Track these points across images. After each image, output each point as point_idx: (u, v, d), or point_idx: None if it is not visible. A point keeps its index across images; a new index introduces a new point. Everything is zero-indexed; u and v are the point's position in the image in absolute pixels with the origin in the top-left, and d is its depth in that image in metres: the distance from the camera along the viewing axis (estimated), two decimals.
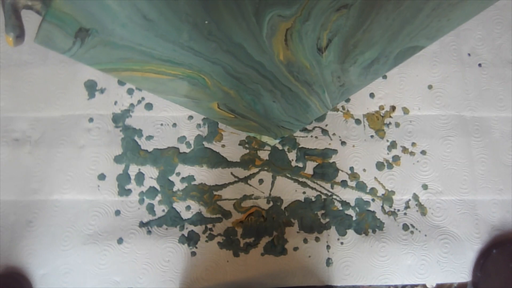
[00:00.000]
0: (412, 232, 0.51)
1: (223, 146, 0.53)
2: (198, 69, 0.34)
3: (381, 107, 0.55)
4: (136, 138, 0.53)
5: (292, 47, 0.34)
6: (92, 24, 0.28)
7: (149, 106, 0.54)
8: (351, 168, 0.53)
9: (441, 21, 0.34)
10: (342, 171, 0.52)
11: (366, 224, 0.51)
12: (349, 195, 0.52)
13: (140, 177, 0.52)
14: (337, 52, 0.35)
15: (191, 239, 0.50)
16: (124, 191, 0.52)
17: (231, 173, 0.52)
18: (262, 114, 0.40)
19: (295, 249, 0.50)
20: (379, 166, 0.53)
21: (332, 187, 0.52)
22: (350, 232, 0.51)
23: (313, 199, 0.51)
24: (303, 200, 0.51)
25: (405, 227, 0.51)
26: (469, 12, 0.34)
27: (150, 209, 0.51)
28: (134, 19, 0.29)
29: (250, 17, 0.31)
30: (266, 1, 0.30)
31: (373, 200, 0.52)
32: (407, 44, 0.36)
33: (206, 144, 0.53)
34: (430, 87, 0.55)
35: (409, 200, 0.52)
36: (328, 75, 0.37)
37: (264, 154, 0.52)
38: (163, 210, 0.51)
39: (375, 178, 0.52)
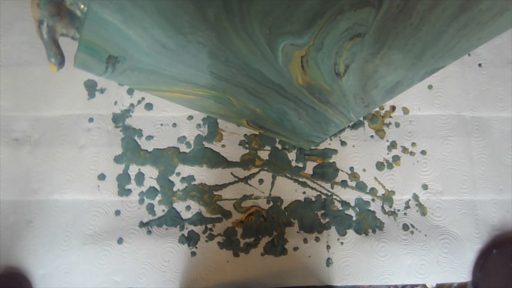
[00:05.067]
0: (412, 232, 0.51)
1: (223, 146, 0.53)
2: (222, 90, 0.35)
3: (381, 107, 0.55)
4: (136, 138, 0.53)
5: (310, 72, 0.33)
6: (119, 52, 0.31)
7: (149, 106, 0.54)
8: (351, 168, 0.53)
9: (470, 40, 0.31)
10: (342, 171, 0.52)
11: (366, 224, 0.51)
12: (349, 195, 0.52)
13: (140, 177, 0.52)
14: (357, 77, 0.34)
15: (191, 239, 0.50)
16: (124, 191, 0.52)
17: (231, 173, 0.52)
18: (290, 130, 0.40)
19: (295, 249, 0.50)
20: (379, 166, 0.53)
21: (332, 187, 0.52)
22: (350, 232, 0.51)
23: (313, 199, 0.51)
24: (303, 200, 0.51)
25: (405, 227, 0.51)
26: (504, 26, 0.30)
27: (150, 209, 0.51)
28: (155, 48, 0.31)
29: (263, 46, 0.31)
30: (276, 31, 0.30)
31: (373, 200, 0.52)
32: (432, 66, 0.33)
33: (206, 144, 0.53)
34: (430, 87, 0.55)
35: (409, 200, 0.52)
36: (351, 98, 0.36)
37: (264, 154, 0.52)
38: (163, 210, 0.51)
39: (375, 178, 0.52)
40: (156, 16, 0.28)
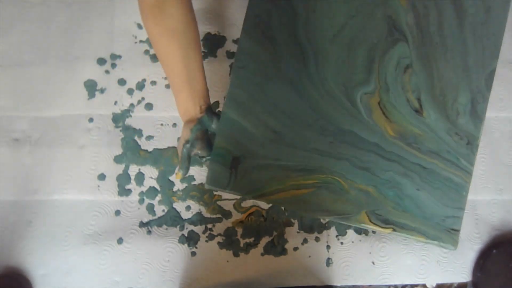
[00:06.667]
0: None
1: None
2: (329, 171, 0.37)
3: None
4: (136, 138, 0.53)
5: (393, 117, 0.38)
6: (240, 151, 0.37)
7: (149, 106, 0.54)
8: None
9: (489, 38, 0.38)
10: None
11: None
12: None
13: (140, 177, 0.52)
14: (434, 109, 0.37)
15: (191, 239, 0.50)
16: (124, 191, 0.52)
17: None
18: (419, 214, 0.38)
19: (295, 249, 0.50)
20: None
21: None
22: (350, 232, 0.51)
23: None
24: None
25: None
26: (501, 19, 0.37)
27: (150, 209, 0.51)
28: (267, 135, 0.37)
29: (345, 102, 0.38)
30: (349, 85, 0.38)
31: None
32: (484, 70, 0.38)
33: None
34: None
35: None
36: (447, 137, 0.38)
37: None
38: (163, 210, 0.51)
39: None
40: (265, 103, 0.37)
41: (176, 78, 0.38)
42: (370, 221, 0.37)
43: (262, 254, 0.50)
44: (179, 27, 0.37)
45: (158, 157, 0.53)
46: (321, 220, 0.51)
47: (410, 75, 0.38)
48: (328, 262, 0.50)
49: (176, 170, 0.37)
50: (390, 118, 0.38)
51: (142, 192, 0.52)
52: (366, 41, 0.38)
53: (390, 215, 0.38)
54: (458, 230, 0.38)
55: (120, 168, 0.53)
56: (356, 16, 0.38)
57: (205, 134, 0.39)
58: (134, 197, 0.52)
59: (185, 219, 0.51)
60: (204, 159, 0.40)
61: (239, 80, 0.37)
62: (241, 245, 0.50)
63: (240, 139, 0.37)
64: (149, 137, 0.54)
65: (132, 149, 0.53)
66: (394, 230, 0.37)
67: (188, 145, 0.38)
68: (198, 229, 0.51)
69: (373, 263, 0.50)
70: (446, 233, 0.38)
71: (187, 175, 0.38)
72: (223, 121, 0.37)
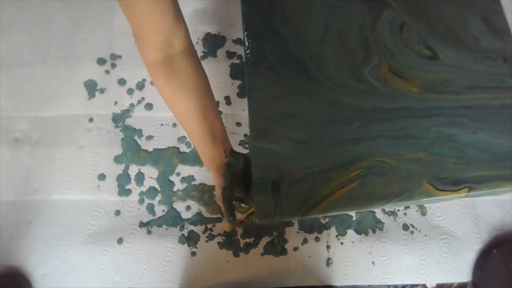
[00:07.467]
0: (412, 232, 0.51)
1: None
2: (369, 155, 0.34)
3: None
4: (136, 138, 0.53)
5: (410, 75, 0.35)
6: (277, 173, 0.36)
7: (149, 106, 0.54)
8: None
9: None
10: None
11: (366, 224, 0.51)
12: None
13: (140, 177, 0.52)
14: (448, 46, 0.36)
15: (191, 239, 0.50)
16: (124, 191, 0.52)
17: None
18: (487, 159, 0.33)
19: (295, 249, 0.50)
20: None
21: None
22: (350, 232, 0.51)
23: None
24: None
25: (405, 227, 0.51)
26: None
27: (150, 209, 0.51)
28: (296, 148, 0.36)
29: (359, 85, 0.37)
30: (353, 68, 0.37)
31: None
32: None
33: None
34: None
35: None
36: (476, 65, 0.35)
37: None
38: (163, 210, 0.51)
39: None
40: (284, 121, 0.37)
41: (198, 132, 0.38)
42: (437, 189, 0.32)
43: (262, 254, 0.50)
44: (191, 79, 0.36)
45: (158, 157, 0.53)
46: (321, 220, 0.51)
47: (408, 31, 0.37)
48: (328, 262, 0.50)
49: (223, 222, 0.40)
50: (407, 78, 0.36)
51: (142, 192, 0.52)
52: (352, 27, 0.39)
53: (457, 173, 0.32)
54: None
55: (120, 168, 0.53)
56: (334, 13, 0.40)
57: (238, 175, 0.39)
58: (134, 197, 0.52)
59: (185, 219, 0.51)
60: (245, 201, 0.40)
61: (256, 112, 0.38)
62: (241, 245, 0.50)
63: (273, 162, 0.37)
64: (149, 137, 0.54)
65: (132, 149, 0.53)
66: (470, 189, 0.32)
67: (227, 191, 0.38)
68: (198, 229, 0.51)
69: (373, 263, 0.50)
70: None
71: (233, 221, 0.39)
72: (253, 153, 0.37)
